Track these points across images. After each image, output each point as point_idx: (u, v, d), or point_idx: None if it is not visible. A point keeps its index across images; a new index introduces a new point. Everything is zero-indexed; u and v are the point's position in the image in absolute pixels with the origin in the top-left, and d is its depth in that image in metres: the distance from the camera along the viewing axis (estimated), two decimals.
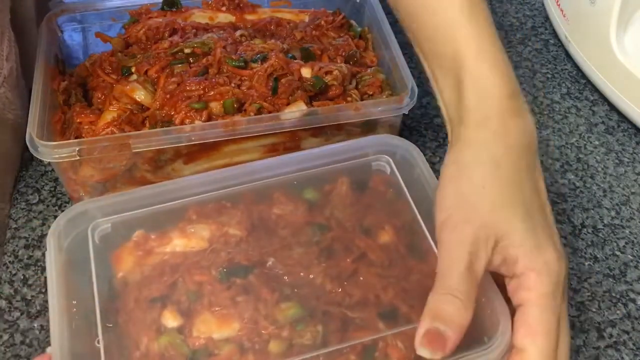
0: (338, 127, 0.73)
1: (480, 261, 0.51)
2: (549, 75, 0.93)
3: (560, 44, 0.98)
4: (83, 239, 0.60)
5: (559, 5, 0.96)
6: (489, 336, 0.53)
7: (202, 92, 0.72)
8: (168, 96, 0.72)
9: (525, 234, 0.52)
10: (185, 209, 0.62)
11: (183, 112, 0.70)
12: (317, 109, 0.71)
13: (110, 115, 0.71)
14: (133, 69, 0.76)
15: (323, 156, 0.66)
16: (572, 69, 0.94)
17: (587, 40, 0.90)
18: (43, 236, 0.71)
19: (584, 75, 0.93)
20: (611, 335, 0.67)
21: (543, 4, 1.03)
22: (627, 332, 0.67)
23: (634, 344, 0.66)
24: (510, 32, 1.00)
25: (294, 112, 0.70)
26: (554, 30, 0.99)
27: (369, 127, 0.75)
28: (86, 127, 0.72)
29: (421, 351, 0.49)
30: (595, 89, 0.91)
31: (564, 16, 0.94)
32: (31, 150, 0.66)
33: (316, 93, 0.74)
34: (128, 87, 0.73)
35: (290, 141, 0.73)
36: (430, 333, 0.49)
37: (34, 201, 0.76)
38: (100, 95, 0.75)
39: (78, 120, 0.72)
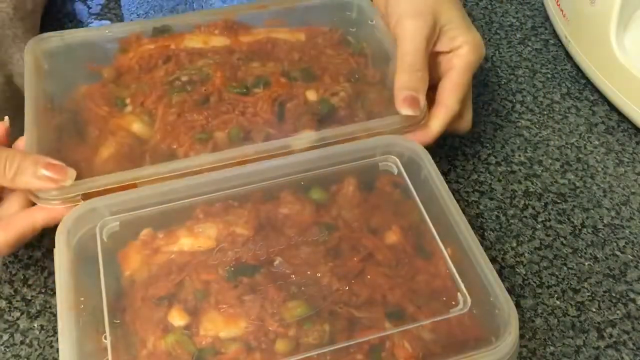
0: None
1: (431, 44, 0.71)
2: (549, 75, 0.94)
3: (560, 44, 0.98)
4: (91, 237, 0.61)
5: (559, 5, 0.96)
6: (496, 336, 0.54)
7: (204, 121, 0.70)
8: (169, 128, 0.70)
9: (461, 19, 0.73)
10: (193, 208, 0.63)
11: (187, 144, 0.68)
12: (329, 135, 0.69)
13: (107, 151, 0.68)
14: (127, 100, 0.72)
15: (330, 157, 0.67)
16: (572, 69, 0.95)
17: (587, 40, 0.91)
18: (43, 236, 0.70)
19: (584, 75, 0.93)
20: (611, 335, 0.67)
21: (543, 4, 1.03)
22: (627, 332, 0.67)
23: (634, 344, 0.67)
24: (510, 32, 1.00)
25: (304, 139, 0.68)
26: (554, 30, 1.00)
27: None
28: (83, 165, 0.67)
29: (403, 111, 0.68)
30: (595, 89, 0.91)
31: (564, 16, 0.94)
32: (30, 196, 0.63)
33: (323, 115, 0.72)
34: (124, 119, 0.70)
35: None
36: (408, 98, 0.68)
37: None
38: (94, 130, 0.70)
39: (73, 158, 0.67)
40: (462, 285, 0.58)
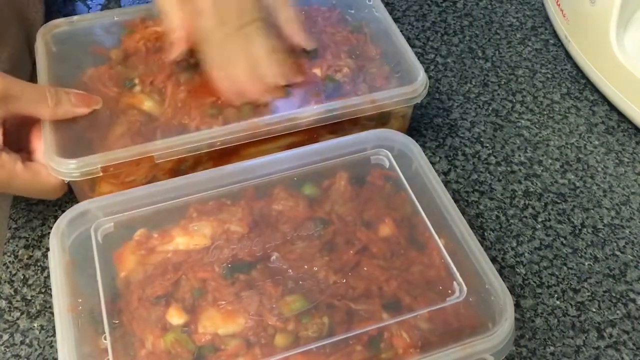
0: (355, 122, 0.77)
1: None
2: (549, 75, 0.96)
3: (560, 44, 1.01)
4: (86, 239, 0.63)
5: (559, 5, 0.99)
6: (493, 322, 0.57)
7: (215, 98, 0.75)
8: (180, 104, 0.75)
9: None
10: (186, 207, 0.66)
11: (198, 119, 0.73)
12: (334, 104, 0.75)
13: (120, 129, 0.73)
14: (136, 80, 0.78)
15: (322, 152, 0.70)
16: (572, 69, 0.97)
17: (587, 40, 0.93)
18: (43, 236, 0.74)
19: (584, 75, 0.96)
20: (611, 335, 0.70)
21: (543, 4, 1.06)
22: (627, 332, 0.70)
23: (634, 344, 0.69)
24: (510, 32, 1.03)
25: (312, 109, 0.74)
26: (554, 30, 1.02)
27: (384, 119, 0.79)
28: (97, 143, 0.72)
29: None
30: (595, 89, 0.94)
31: (564, 16, 0.97)
32: (51, 170, 0.68)
33: (329, 91, 0.77)
34: (135, 98, 0.75)
35: (309, 140, 0.75)
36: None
37: (34, 201, 0.78)
38: (104, 110, 0.74)
39: (87, 137, 0.72)
40: (457, 274, 0.61)
